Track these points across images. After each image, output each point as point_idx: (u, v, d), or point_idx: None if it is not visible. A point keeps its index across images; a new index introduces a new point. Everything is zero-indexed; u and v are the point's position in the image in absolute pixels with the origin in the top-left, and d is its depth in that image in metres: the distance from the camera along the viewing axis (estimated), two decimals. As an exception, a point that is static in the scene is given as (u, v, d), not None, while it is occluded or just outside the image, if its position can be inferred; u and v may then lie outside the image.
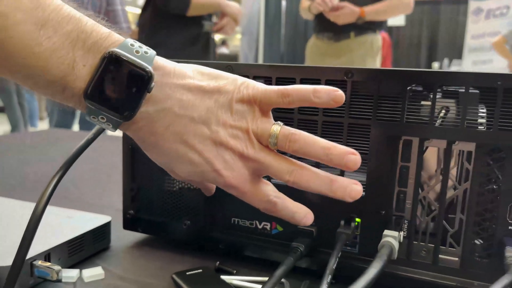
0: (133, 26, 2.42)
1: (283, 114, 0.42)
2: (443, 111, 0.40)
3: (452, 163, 0.39)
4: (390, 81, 0.39)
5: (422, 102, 0.39)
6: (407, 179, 0.41)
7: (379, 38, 2.04)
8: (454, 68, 6.51)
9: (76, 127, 2.52)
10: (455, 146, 0.39)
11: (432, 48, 6.46)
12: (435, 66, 6.65)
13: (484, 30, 5.73)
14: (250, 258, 0.46)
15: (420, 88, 0.39)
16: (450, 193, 0.40)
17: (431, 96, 0.39)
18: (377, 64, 2.06)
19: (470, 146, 0.38)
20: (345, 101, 0.39)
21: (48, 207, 0.51)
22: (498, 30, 5.37)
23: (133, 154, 0.49)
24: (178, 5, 1.88)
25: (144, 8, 2.04)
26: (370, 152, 0.40)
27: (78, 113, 2.33)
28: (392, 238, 0.38)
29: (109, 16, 2.21)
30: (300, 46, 5.34)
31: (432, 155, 0.41)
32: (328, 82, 0.40)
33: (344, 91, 0.39)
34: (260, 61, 5.06)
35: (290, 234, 0.45)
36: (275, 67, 0.42)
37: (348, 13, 1.89)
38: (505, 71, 5.17)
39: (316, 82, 0.41)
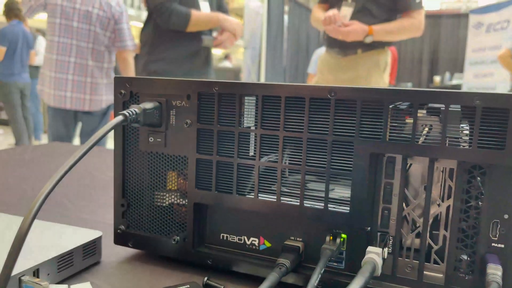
0: (137, 41, 2.45)
1: (269, 132, 0.43)
2: (426, 128, 0.40)
3: (436, 179, 0.40)
4: (371, 99, 0.39)
5: (407, 120, 0.40)
6: (391, 196, 0.41)
7: (387, 54, 2.02)
8: (455, 81, 6.53)
9: (77, 140, 2.53)
10: (437, 163, 0.39)
11: (434, 62, 6.49)
12: (437, 80, 6.67)
13: (485, 44, 5.76)
14: (239, 273, 0.46)
15: (403, 106, 0.40)
16: (434, 210, 0.40)
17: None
18: (384, 80, 2.04)
19: (452, 164, 0.39)
20: (329, 118, 0.40)
21: (40, 222, 0.52)
22: (499, 44, 5.40)
23: (124, 170, 0.50)
24: (178, 22, 1.90)
25: (145, 24, 2.07)
26: (354, 169, 0.40)
27: (78, 127, 2.34)
28: (375, 254, 0.38)
29: (116, 34, 2.25)
30: (302, 60, 5.38)
31: (417, 171, 0.42)
32: (312, 100, 0.41)
33: (328, 109, 0.40)
34: (263, 74, 5.10)
35: (278, 250, 0.45)
36: (261, 85, 0.43)
37: (357, 30, 1.85)
38: (507, 83, 5.17)
39: (301, 100, 0.42)
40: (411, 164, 0.41)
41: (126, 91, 0.48)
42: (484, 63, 5.68)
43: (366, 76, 1.97)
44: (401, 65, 6.10)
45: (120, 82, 0.48)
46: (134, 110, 0.44)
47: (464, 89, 5.92)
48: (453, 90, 0.37)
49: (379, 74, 1.99)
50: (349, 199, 0.41)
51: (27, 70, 4.42)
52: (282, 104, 0.42)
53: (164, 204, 0.49)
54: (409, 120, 0.40)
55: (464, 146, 0.38)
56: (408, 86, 5.88)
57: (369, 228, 0.42)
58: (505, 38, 5.37)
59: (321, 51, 2.27)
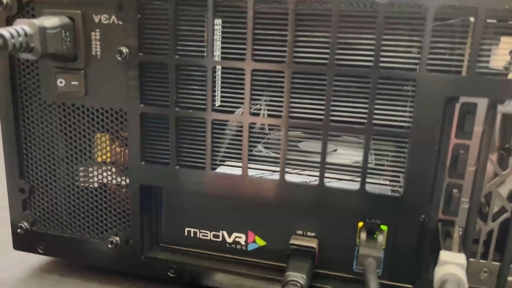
0: None
1: (267, 65, 0.25)
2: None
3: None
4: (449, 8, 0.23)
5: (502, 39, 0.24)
6: (465, 166, 0.26)
7: None
8: None
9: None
10: (545, 113, 0.24)
11: None
12: None
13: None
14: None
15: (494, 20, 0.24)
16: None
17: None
18: None
19: None
20: (374, 39, 0.23)
21: None
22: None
23: (19, 135, 0.30)
24: None
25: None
26: (414, 125, 0.24)
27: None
28: (457, 267, 0.23)
29: None
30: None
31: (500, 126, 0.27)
32: (343, 13, 0.24)
33: (371, 23, 0.23)
34: None
35: (276, 251, 0.29)
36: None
37: None
38: None
39: (325, 12, 0.24)
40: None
41: (10, 0, 0.28)
42: None
43: None
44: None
45: (-3, -16, 0.28)
46: (22, 29, 0.24)
47: None
48: None
49: None
50: (402, 174, 0.25)
51: None
52: (291, 16, 0.24)
53: (91, 186, 0.31)
54: (506, 38, 0.24)
55: None
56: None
57: (424, 217, 0.27)
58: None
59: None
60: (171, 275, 0.30)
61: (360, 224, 0.28)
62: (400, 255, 0.28)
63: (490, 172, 0.26)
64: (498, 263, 0.27)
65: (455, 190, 0.26)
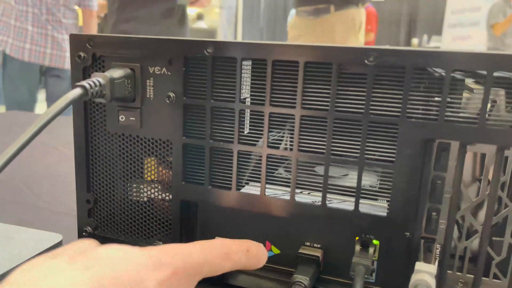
0: (102, 0, 2.29)
1: (283, 110, 0.32)
2: (489, 105, 0.30)
3: (503, 173, 0.31)
4: (425, 65, 0.29)
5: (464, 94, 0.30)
6: (442, 194, 0.32)
7: (361, 13, 1.93)
8: (433, 44, 6.47)
9: (41, 108, 2.36)
10: (508, 151, 0.30)
11: (412, 24, 6.39)
12: (415, 42, 6.60)
13: (464, 6, 5.68)
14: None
15: (460, 76, 0.30)
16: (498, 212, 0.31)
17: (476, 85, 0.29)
18: (360, 41, 1.95)
19: (528, 152, 0.29)
20: (365, 92, 0.30)
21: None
22: (478, 6, 5.33)
23: (88, 157, 0.39)
24: (151, -23, 1.74)
25: (116, -21, 1.88)
26: (397, 160, 0.30)
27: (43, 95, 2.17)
28: (427, 274, 0.29)
29: None
30: (279, 20, 5.16)
31: (469, 161, 0.32)
32: (342, 67, 0.31)
33: (364, 80, 0.30)
34: (239, 35, 4.90)
35: (288, 258, 0.36)
36: (273, 46, 0.32)
37: None
38: (484, 47, 5.18)
39: (327, 66, 0.31)
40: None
41: (87, 54, 0.36)
42: (463, 25, 5.61)
43: (342, 39, 1.87)
44: (379, 26, 5.97)
45: (78, 42, 0.36)
46: (98, 81, 0.32)
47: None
48: (539, 54, 0.27)
49: (354, 35, 1.89)
50: (389, 195, 0.31)
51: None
52: (300, 72, 0.31)
53: (142, 199, 0.39)
54: (467, 94, 0.30)
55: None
56: (386, 48, 5.75)
57: (409, 234, 0.32)
58: (484, 1, 5.30)
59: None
60: (203, 274, 0.37)
61: (357, 238, 0.34)
62: (391, 265, 0.33)
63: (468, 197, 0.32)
64: (472, 276, 0.32)
65: (434, 213, 0.32)
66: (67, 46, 2.18)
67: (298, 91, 0.31)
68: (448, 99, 0.29)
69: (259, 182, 0.34)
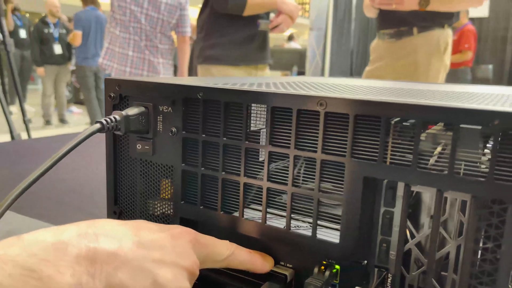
0: (193, 26, 2.53)
1: (255, 145, 0.38)
2: (439, 148, 0.33)
3: (448, 211, 0.33)
4: (366, 113, 0.33)
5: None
6: (391, 227, 0.35)
7: (447, 34, 1.86)
8: (546, 63, 5.86)
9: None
10: (447, 193, 0.32)
11: (521, 41, 5.87)
12: (523, 61, 6.04)
13: None
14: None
15: (407, 123, 0.33)
16: (444, 247, 0.33)
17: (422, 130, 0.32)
18: (445, 63, 1.88)
19: (465, 195, 0.32)
20: (318, 134, 0.34)
21: (33, 221, 0.51)
22: None
23: (116, 176, 0.48)
24: (234, 6, 1.87)
25: (202, 9, 2.05)
26: (345, 194, 0.34)
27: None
28: (363, 299, 0.32)
29: (181, 19, 2.41)
30: (371, 42, 5.07)
31: (426, 197, 0.35)
32: (300, 112, 0.36)
33: (317, 123, 0.34)
34: (328, 57, 4.92)
35: (267, 274, 0.41)
36: (248, 93, 0.38)
37: None
38: None
39: (288, 111, 0.36)
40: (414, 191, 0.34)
41: (116, 94, 0.45)
42: None
43: (424, 61, 1.81)
44: (481, 45, 5.59)
45: (110, 84, 0.46)
46: (114, 118, 0.41)
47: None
48: (468, 107, 0.30)
49: (439, 57, 1.82)
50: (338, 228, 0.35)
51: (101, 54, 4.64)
52: (268, 115, 0.37)
53: (156, 213, 0.46)
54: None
55: (480, 176, 0.30)
56: (489, 68, 5.37)
57: (365, 262, 0.36)
58: None
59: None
60: (195, 282, 0.43)
61: (324, 262, 0.38)
62: (350, 290, 0.37)
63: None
64: (420, 306, 0.34)
65: (384, 244, 0.35)
66: (161, 69, 2.42)
67: (267, 131, 0.37)
68: (393, 143, 0.33)
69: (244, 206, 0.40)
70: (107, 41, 2.39)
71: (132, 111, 0.42)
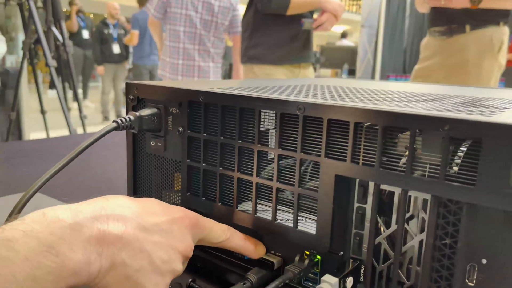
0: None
1: (246, 145, 0.42)
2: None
3: (412, 208, 0.36)
4: (338, 118, 0.36)
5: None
6: (364, 222, 0.38)
7: (503, 32, 1.78)
8: None
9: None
10: (411, 192, 0.35)
11: None
12: None
13: None
14: (225, 281, 0.47)
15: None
16: (410, 242, 0.36)
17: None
18: (500, 62, 1.80)
19: (425, 194, 0.34)
20: (297, 135, 0.38)
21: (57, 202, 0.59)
22: None
23: (134, 170, 0.54)
24: (278, 5, 1.91)
25: (247, 9, 2.11)
26: (320, 190, 0.38)
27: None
28: (328, 285, 0.36)
29: (233, 20, 2.48)
30: (426, 38, 4.90)
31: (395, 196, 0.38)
32: (283, 115, 0.39)
33: (297, 126, 0.38)
34: (379, 55, 4.84)
35: (258, 260, 0.45)
36: (240, 98, 0.42)
37: None
38: None
39: (274, 114, 0.40)
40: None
41: (134, 97, 0.51)
42: None
43: (475, 60, 1.75)
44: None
45: (130, 88, 0.52)
46: (129, 117, 0.47)
47: None
48: (425, 113, 0.32)
49: (492, 56, 1.75)
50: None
51: (155, 53, 4.84)
52: (257, 117, 0.41)
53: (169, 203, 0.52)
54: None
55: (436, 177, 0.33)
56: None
57: (341, 253, 0.39)
58: None
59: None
60: (198, 266, 0.49)
61: (307, 252, 0.41)
62: (330, 278, 0.40)
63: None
64: (389, 295, 0.37)
65: (357, 238, 0.38)
66: (211, 73, 2.49)
67: (256, 132, 0.41)
68: (364, 145, 0.36)
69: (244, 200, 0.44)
70: (161, 52, 2.51)
71: (145, 112, 0.48)
